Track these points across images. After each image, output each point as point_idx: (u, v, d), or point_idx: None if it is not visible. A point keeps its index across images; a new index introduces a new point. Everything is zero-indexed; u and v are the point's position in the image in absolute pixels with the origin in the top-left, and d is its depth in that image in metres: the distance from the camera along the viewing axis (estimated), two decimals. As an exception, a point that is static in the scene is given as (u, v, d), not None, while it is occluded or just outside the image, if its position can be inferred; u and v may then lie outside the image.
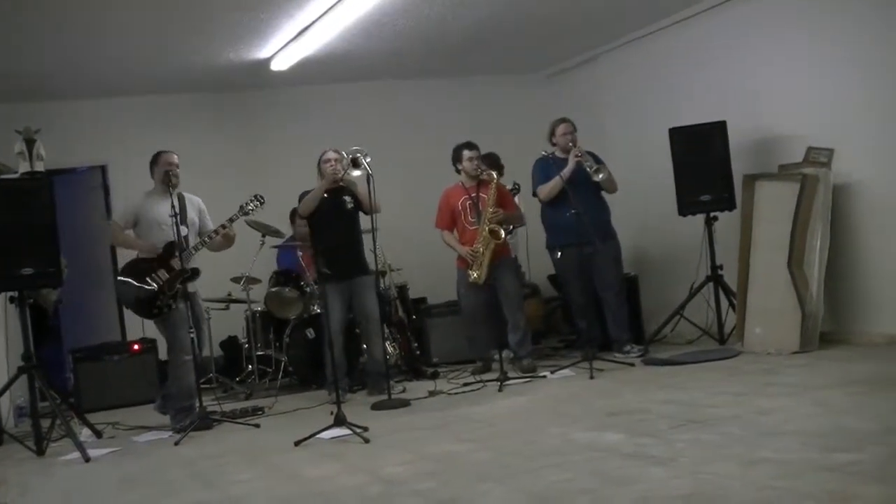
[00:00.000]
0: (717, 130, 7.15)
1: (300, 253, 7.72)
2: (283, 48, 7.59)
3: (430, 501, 3.75)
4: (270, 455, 5.07)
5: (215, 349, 7.91)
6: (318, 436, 5.20)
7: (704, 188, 7.20)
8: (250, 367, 7.72)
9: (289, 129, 9.06)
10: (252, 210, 6.42)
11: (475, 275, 6.93)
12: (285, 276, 7.70)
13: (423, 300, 8.44)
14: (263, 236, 7.68)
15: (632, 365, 6.79)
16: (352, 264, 6.73)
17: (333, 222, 6.71)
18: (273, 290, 7.60)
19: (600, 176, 7.15)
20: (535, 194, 7.43)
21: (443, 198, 7.29)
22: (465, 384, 6.72)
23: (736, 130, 7.14)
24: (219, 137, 8.92)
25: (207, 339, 6.77)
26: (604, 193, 7.36)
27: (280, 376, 7.49)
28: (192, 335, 5.95)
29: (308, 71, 8.35)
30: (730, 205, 7.16)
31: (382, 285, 7.62)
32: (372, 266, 6.91)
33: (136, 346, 7.73)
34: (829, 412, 4.49)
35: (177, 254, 6.04)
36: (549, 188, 7.19)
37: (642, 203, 8.25)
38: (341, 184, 6.68)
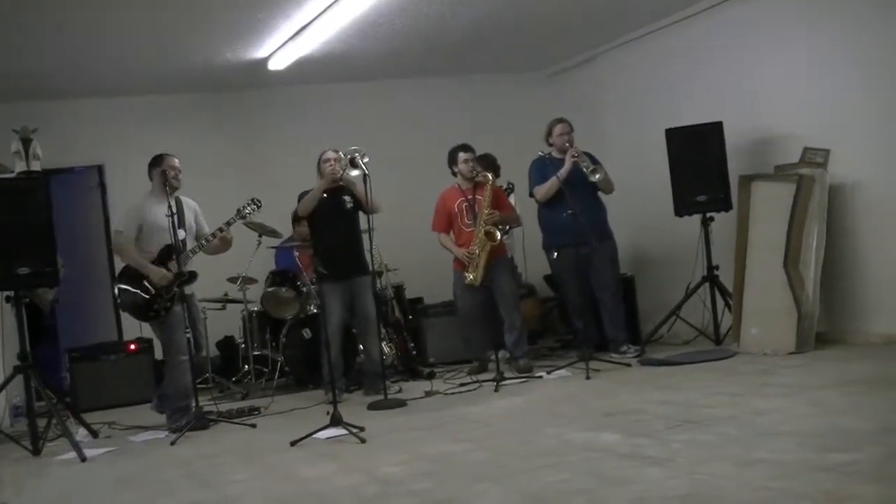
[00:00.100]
0: (713, 131, 7.16)
1: (296, 253, 7.71)
2: (281, 48, 7.59)
3: (427, 501, 3.75)
4: (267, 455, 5.07)
5: (211, 349, 7.90)
6: (314, 436, 5.20)
7: (701, 188, 7.21)
8: (247, 367, 7.71)
9: (286, 128, 9.05)
10: (249, 214, 6.45)
11: (471, 277, 6.93)
12: (282, 276, 7.69)
13: (419, 300, 8.43)
14: (260, 236, 7.67)
15: (628, 365, 6.79)
16: (351, 264, 6.73)
17: (333, 222, 6.71)
18: (269, 290, 7.59)
19: (597, 176, 7.16)
20: (531, 195, 7.43)
21: (439, 200, 7.30)
22: (462, 384, 6.72)
23: (733, 131, 7.15)
24: (216, 137, 8.91)
25: (205, 339, 6.76)
26: (600, 194, 7.37)
27: (276, 376, 7.50)
28: (188, 335, 5.95)
29: (306, 70, 8.35)
30: (726, 205, 7.17)
31: (379, 285, 7.61)
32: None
33: (132, 346, 7.73)
34: (826, 412, 4.49)
35: (174, 257, 6.04)
36: (546, 188, 7.19)
37: (639, 203, 8.25)
38: (341, 183, 6.68)
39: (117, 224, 6.33)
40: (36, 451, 5.73)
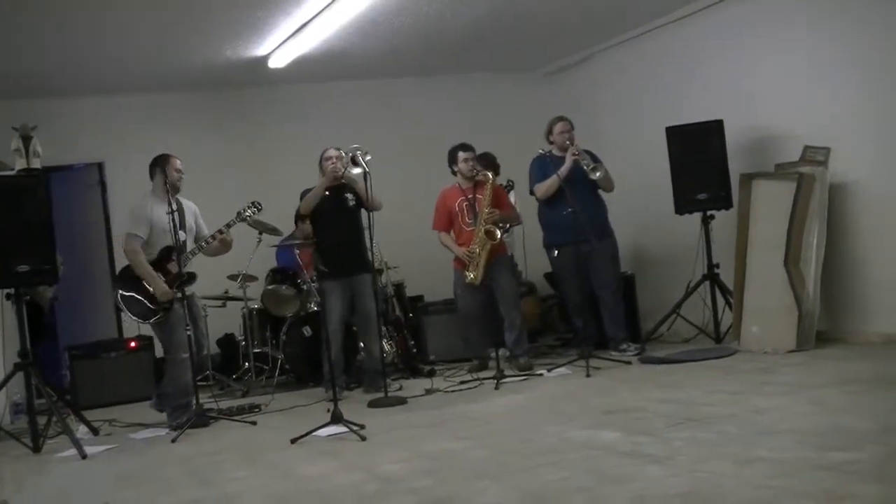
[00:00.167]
0: (713, 129, 7.16)
1: (297, 251, 7.71)
2: (281, 45, 7.59)
3: (427, 499, 3.75)
4: (267, 452, 5.07)
5: (212, 346, 7.89)
6: (314, 433, 5.20)
7: (701, 187, 7.21)
8: (247, 364, 7.71)
9: (286, 126, 9.04)
10: (249, 216, 6.46)
11: (472, 276, 6.94)
12: (282, 273, 7.69)
13: (419, 298, 8.43)
14: (260, 234, 7.67)
15: (628, 363, 6.79)
16: (353, 261, 6.73)
17: (335, 220, 6.72)
18: (270, 287, 7.60)
19: (597, 174, 7.16)
20: (532, 193, 7.43)
21: (439, 199, 7.30)
22: (462, 382, 6.72)
23: (733, 129, 7.15)
24: (217, 135, 8.90)
25: (206, 337, 6.76)
26: (601, 192, 7.37)
27: (277, 374, 7.50)
28: (188, 333, 5.95)
29: (306, 69, 8.35)
30: (726, 203, 7.17)
31: (379, 283, 7.61)
32: (371, 264, 6.92)
33: (132, 344, 7.74)
34: (826, 411, 4.49)
35: (174, 258, 6.03)
36: (547, 186, 7.19)
37: (639, 201, 8.25)
38: (342, 181, 6.69)
39: (131, 227, 6.14)
40: (36, 449, 5.73)
